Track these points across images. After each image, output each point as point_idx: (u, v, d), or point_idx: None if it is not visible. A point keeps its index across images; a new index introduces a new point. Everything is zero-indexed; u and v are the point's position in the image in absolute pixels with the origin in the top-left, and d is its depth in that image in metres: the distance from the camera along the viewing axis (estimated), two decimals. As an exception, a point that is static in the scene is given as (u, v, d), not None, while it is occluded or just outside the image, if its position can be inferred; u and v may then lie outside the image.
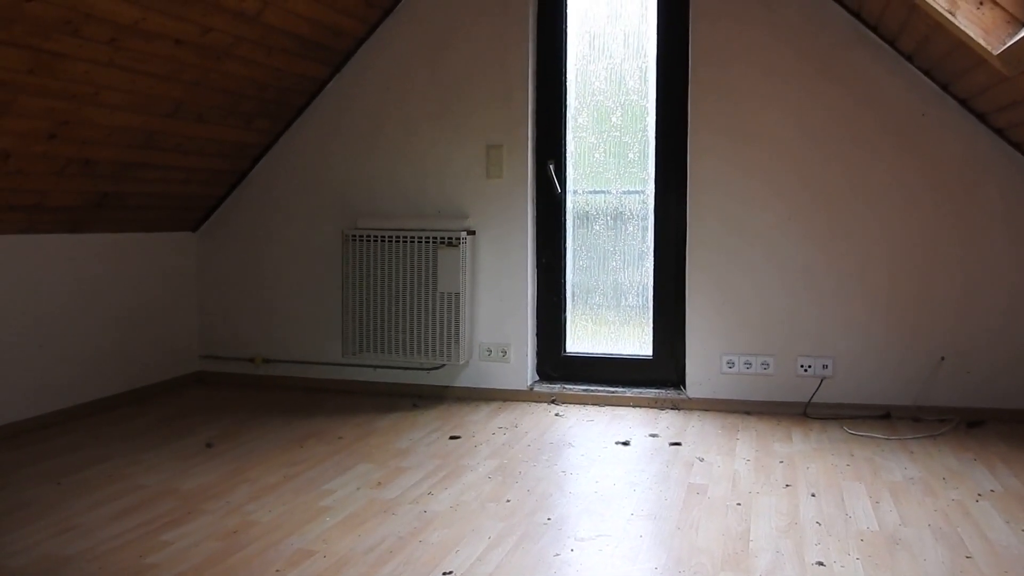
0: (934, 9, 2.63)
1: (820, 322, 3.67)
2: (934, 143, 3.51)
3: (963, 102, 3.43)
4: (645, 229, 3.97)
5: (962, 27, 2.60)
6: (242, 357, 4.37)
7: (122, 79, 3.14)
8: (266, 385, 4.33)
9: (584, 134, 4.01)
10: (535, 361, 4.11)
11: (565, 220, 4.07)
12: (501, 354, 4.04)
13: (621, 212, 4.00)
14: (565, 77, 4.00)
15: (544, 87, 4.01)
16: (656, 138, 3.91)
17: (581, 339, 4.11)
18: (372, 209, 4.15)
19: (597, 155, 4.02)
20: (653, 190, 3.94)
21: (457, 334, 3.90)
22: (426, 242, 3.90)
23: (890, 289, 3.60)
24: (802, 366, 3.70)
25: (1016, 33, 2.51)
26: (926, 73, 3.47)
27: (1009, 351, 3.49)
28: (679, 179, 3.88)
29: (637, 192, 3.98)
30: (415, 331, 3.95)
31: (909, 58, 3.47)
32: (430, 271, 3.90)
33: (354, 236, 3.99)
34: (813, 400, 3.68)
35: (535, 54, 3.98)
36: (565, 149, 4.04)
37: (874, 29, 3.50)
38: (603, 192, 4.03)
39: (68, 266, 3.64)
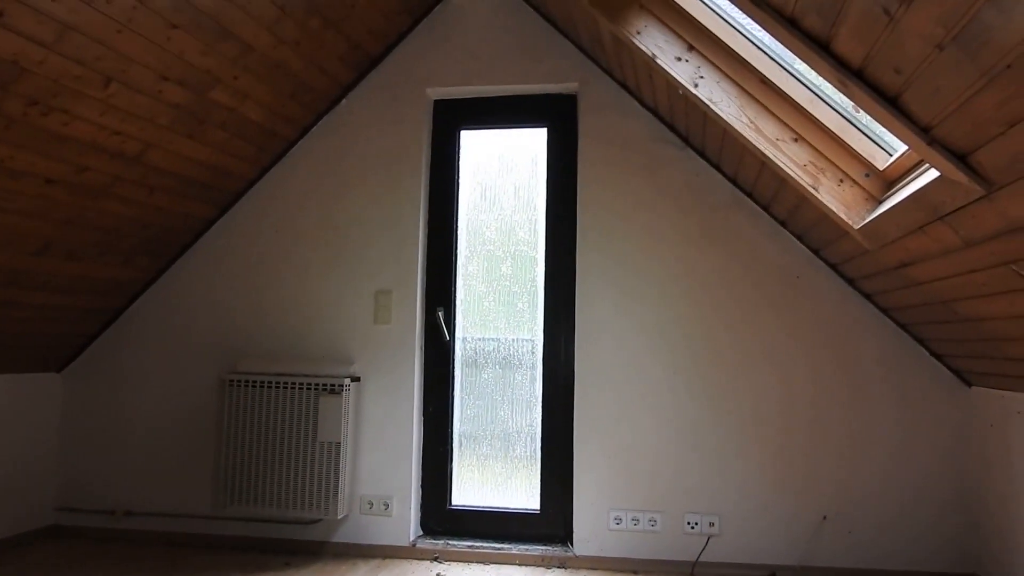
0: (799, 184, 2.76)
1: (707, 478, 3.66)
2: (810, 305, 3.64)
3: (834, 267, 3.59)
4: (534, 378, 3.94)
5: (825, 202, 2.73)
6: (102, 509, 4.05)
7: (-15, 216, 2.99)
8: (127, 540, 4.00)
9: (474, 282, 4.02)
10: (419, 515, 3.93)
11: (454, 367, 4.00)
12: (383, 507, 3.86)
13: (510, 359, 3.97)
14: (456, 226, 4.03)
15: (436, 235, 4.02)
16: (545, 287, 3.94)
17: (468, 491, 3.98)
18: (254, 350, 4.00)
19: (487, 303, 4.02)
20: (542, 338, 3.93)
21: (336, 485, 3.71)
22: (308, 388, 3.76)
23: (776, 447, 3.63)
24: (689, 523, 3.65)
25: (874, 210, 2.65)
26: (799, 238, 3.63)
27: (890, 510, 3.53)
28: (568, 328, 3.89)
29: (526, 340, 3.97)
30: (291, 482, 3.74)
31: (783, 223, 3.64)
32: (311, 419, 3.74)
33: (232, 380, 3.82)
34: (700, 559, 3.61)
35: (427, 203, 4.01)
36: (455, 296, 4.02)
37: (750, 195, 3.67)
38: (492, 339, 4.00)
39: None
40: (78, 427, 4.11)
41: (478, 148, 4.07)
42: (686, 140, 3.74)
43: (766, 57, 2.80)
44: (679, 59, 2.90)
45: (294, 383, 3.76)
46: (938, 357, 3.50)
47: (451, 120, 4.08)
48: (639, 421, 3.72)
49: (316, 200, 4.02)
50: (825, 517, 3.56)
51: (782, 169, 2.78)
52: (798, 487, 3.60)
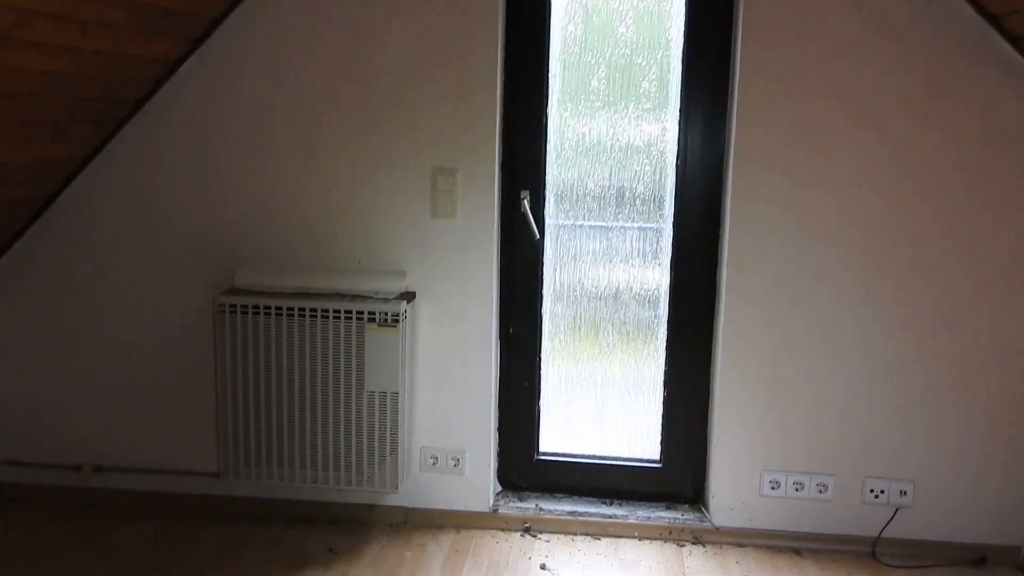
0: None
1: (899, 436, 2.68)
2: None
3: None
4: (657, 298, 2.85)
5: None
6: (62, 464, 2.98)
7: None
8: (99, 507, 2.96)
9: (572, 155, 2.79)
10: (497, 468, 2.96)
11: (542, 274, 2.87)
12: (452, 463, 2.86)
13: (623, 264, 2.84)
14: (547, 73, 2.74)
15: (516, 85, 2.73)
16: (678, 165, 2.74)
17: (560, 437, 2.99)
18: (258, 257, 2.79)
19: (589, 184, 2.81)
20: (671, 227, 2.79)
21: (393, 444, 2.68)
22: (346, 317, 2.62)
23: (996, 399, 2.65)
24: (872, 491, 2.73)
25: None
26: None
27: None
28: (711, 227, 2.75)
29: (649, 228, 2.83)
30: (328, 445, 2.69)
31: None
32: (353, 361, 2.63)
33: (227, 305, 2.64)
34: (883, 535, 2.74)
35: (505, 36, 2.67)
36: (544, 175, 2.80)
37: (1010, 34, 2.42)
38: (601, 227, 2.85)
39: None
40: (13, 358, 2.95)
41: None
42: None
43: None
44: None
45: (324, 310, 2.61)
46: None
47: (539, -99, 2.66)
48: (808, 356, 2.68)
49: (342, 33, 2.64)
50: (1058, 485, 2.68)
51: None
52: (1021, 449, 2.68)
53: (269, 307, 2.62)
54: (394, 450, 2.68)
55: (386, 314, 2.60)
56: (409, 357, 2.72)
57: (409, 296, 2.72)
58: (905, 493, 2.72)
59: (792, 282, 2.66)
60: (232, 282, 2.76)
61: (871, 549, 2.74)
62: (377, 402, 2.65)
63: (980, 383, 2.65)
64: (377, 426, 2.66)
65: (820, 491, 2.75)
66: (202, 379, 2.87)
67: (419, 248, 2.74)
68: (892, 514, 2.72)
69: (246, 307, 2.62)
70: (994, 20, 2.41)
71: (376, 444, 2.67)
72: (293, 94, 2.69)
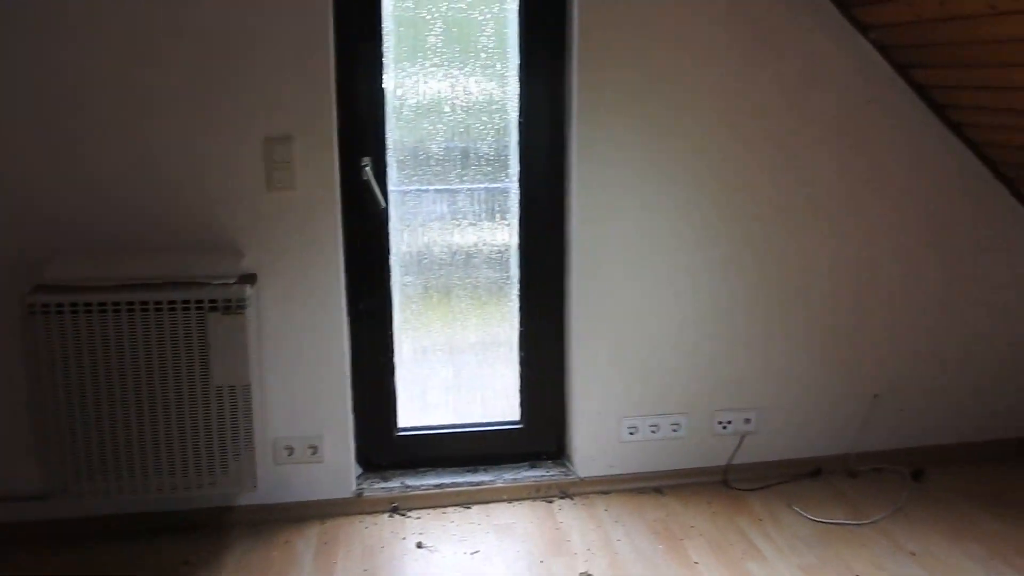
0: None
1: (742, 369, 2.85)
2: (879, 141, 2.75)
3: (921, 89, 2.71)
4: (507, 259, 2.80)
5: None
6: None
7: None
8: None
9: (412, 116, 2.66)
10: (357, 450, 2.82)
11: (389, 244, 2.74)
12: (310, 452, 2.69)
13: (471, 225, 2.77)
14: (380, 31, 2.58)
15: (351, 40, 2.55)
16: (521, 118, 2.70)
17: (419, 410, 2.90)
18: (72, 246, 2.43)
19: (432, 146, 2.70)
20: (518, 185, 2.76)
21: (246, 439, 2.46)
22: (183, 308, 2.35)
23: (823, 323, 2.87)
24: (720, 423, 2.89)
25: None
26: (883, 50, 2.67)
27: (944, 379, 2.99)
28: (555, 174, 2.74)
29: (495, 188, 2.77)
30: (176, 448, 2.42)
31: (865, 29, 2.64)
32: (195, 353, 2.37)
33: (41, 307, 2.28)
34: (733, 461, 2.92)
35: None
36: (385, 139, 2.66)
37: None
38: (446, 191, 2.75)
39: None
40: None
41: None
42: None
43: None
44: None
45: (157, 302, 2.32)
46: (1022, 198, 2.85)
47: None
48: (657, 302, 2.77)
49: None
50: (877, 395, 2.96)
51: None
52: (846, 367, 2.93)
53: (90, 304, 2.29)
54: (248, 446, 2.46)
55: (229, 300, 2.36)
56: (257, 344, 2.51)
57: (250, 278, 2.49)
58: (749, 421, 2.90)
59: (638, 231, 2.72)
60: (43, 276, 2.39)
61: (723, 477, 2.91)
62: (227, 397, 2.41)
63: (811, 311, 2.87)
64: (228, 422, 2.43)
65: (675, 430, 2.87)
66: (10, 390, 2.48)
67: (257, 224, 2.51)
68: (739, 442, 2.91)
69: (62, 306, 2.28)
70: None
71: (228, 441, 2.44)
72: (105, 52, 2.34)
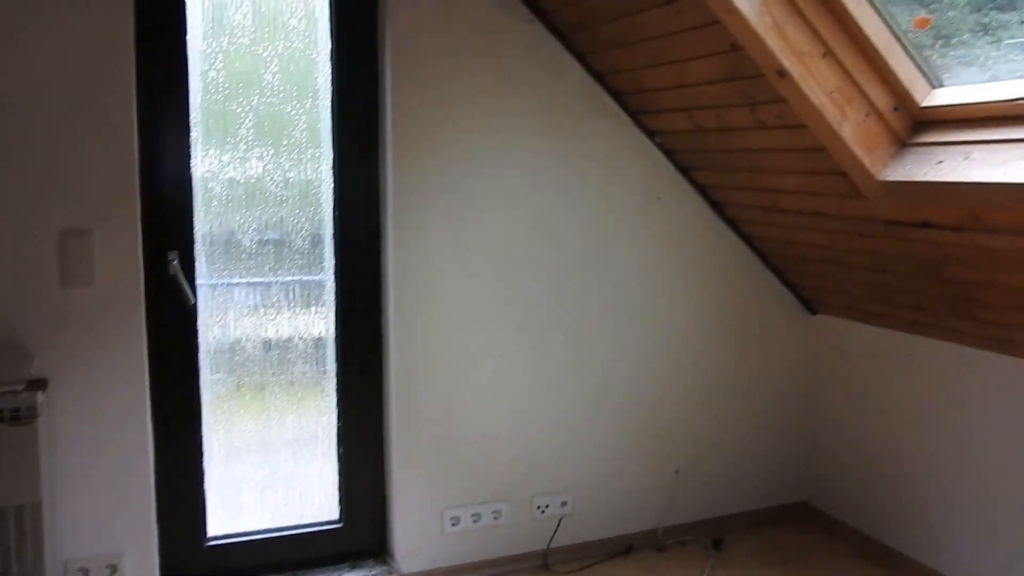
0: (818, 111, 2.08)
1: (557, 453, 2.94)
2: (669, 231, 3.02)
3: (703, 189, 3.01)
4: (323, 357, 2.75)
5: (847, 140, 2.10)
6: None
7: None
8: None
9: (221, 208, 2.58)
10: (162, 566, 2.58)
11: (199, 341, 2.60)
12: (107, 572, 2.44)
13: (287, 317, 2.70)
14: (188, 122, 2.50)
15: (157, 134, 2.46)
16: (336, 214, 2.69)
17: (231, 515, 2.71)
18: None
19: (246, 239, 2.63)
20: (333, 277, 2.73)
21: (37, 567, 2.19)
22: (-41, 420, 2.09)
23: (629, 404, 3.04)
24: (539, 507, 2.95)
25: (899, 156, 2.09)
26: (668, 154, 2.95)
27: (735, 450, 3.22)
28: (371, 264, 2.75)
29: (311, 280, 2.72)
30: (-55, 582, 2.12)
31: (652, 134, 2.91)
32: (-27, 471, 2.11)
33: None
34: (552, 545, 2.97)
35: (139, 88, 2.38)
36: (193, 231, 2.55)
37: (615, 94, 2.84)
38: (259, 283, 2.67)
39: None
40: None
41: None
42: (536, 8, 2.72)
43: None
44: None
45: (-72, 414, 2.05)
46: (790, 285, 3.20)
47: (166, -63, 2.43)
48: (475, 391, 2.82)
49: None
50: (677, 471, 3.15)
51: (805, 95, 2.05)
52: (651, 446, 3.10)
53: None
54: (38, 570, 2.20)
55: (17, 409, 2.14)
56: (49, 456, 2.27)
57: (41, 383, 2.27)
58: (565, 503, 2.99)
59: (454, 320, 2.77)
60: None
61: (544, 561, 2.95)
62: (13, 518, 2.15)
63: (617, 394, 3.03)
64: (14, 546, 2.16)
65: (495, 518, 2.89)
66: None
67: (50, 324, 2.31)
68: (557, 525, 2.98)
69: None
70: (600, 79, 2.82)
71: (13, 566, 2.17)
72: None
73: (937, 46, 2.17)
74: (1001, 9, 2.09)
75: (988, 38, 2.13)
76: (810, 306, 3.25)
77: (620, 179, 2.94)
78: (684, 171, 2.99)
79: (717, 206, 3.05)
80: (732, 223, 3.07)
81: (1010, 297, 2.25)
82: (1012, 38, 2.07)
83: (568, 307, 2.92)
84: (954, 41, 2.16)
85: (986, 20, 2.12)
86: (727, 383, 3.21)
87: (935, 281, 2.44)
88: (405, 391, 2.74)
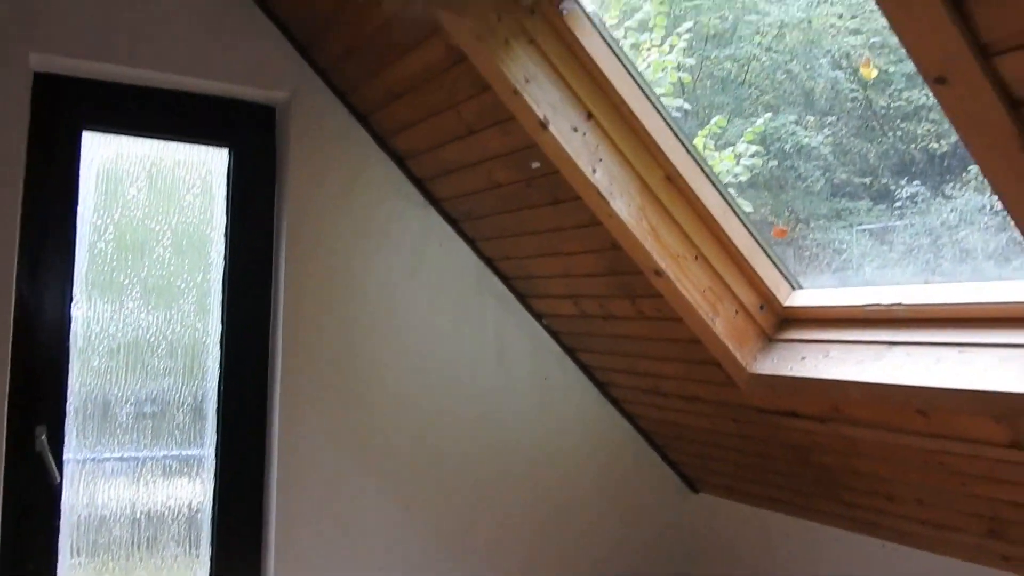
0: (694, 310, 2.22)
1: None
2: (558, 409, 3.11)
3: (587, 369, 3.12)
4: (199, 536, 2.61)
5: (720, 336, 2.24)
6: None
7: None
8: None
9: (98, 379, 2.50)
10: None
11: (60, 524, 2.43)
12: None
13: (155, 485, 2.57)
14: (71, 298, 2.45)
15: (32, 292, 2.39)
16: (221, 380, 2.65)
17: None
18: None
19: (123, 411, 2.54)
20: (213, 453, 2.63)
21: None
22: None
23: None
24: None
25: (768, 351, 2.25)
26: (555, 335, 3.07)
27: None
28: (255, 442, 2.68)
29: (188, 455, 2.62)
30: None
31: (539, 316, 3.03)
32: None
33: None
34: None
35: (23, 248, 2.35)
36: (66, 403, 2.45)
37: (506, 279, 2.97)
38: (132, 459, 2.55)
39: None
40: None
41: (112, 161, 2.54)
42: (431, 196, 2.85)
43: (680, 147, 2.17)
44: (575, 130, 2.08)
45: None
46: (672, 464, 3.28)
47: (68, 112, 2.47)
48: (359, 572, 2.73)
49: None
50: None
51: (680, 292, 2.20)
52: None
53: None
54: None
55: None
56: None
57: None
58: None
59: (340, 499, 2.71)
60: None
61: None
62: None
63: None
64: None
65: None
66: None
67: None
68: None
69: None
70: (490, 263, 2.94)
71: None
72: None
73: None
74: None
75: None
76: (692, 485, 3.33)
77: (510, 358, 3.02)
78: (570, 352, 3.10)
79: (602, 386, 3.15)
80: (616, 403, 3.17)
81: (870, 483, 2.39)
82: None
83: (454, 486, 2.90)
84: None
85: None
86: (609, 561, 3.20)
87: (805, 465, 2.57)
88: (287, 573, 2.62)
